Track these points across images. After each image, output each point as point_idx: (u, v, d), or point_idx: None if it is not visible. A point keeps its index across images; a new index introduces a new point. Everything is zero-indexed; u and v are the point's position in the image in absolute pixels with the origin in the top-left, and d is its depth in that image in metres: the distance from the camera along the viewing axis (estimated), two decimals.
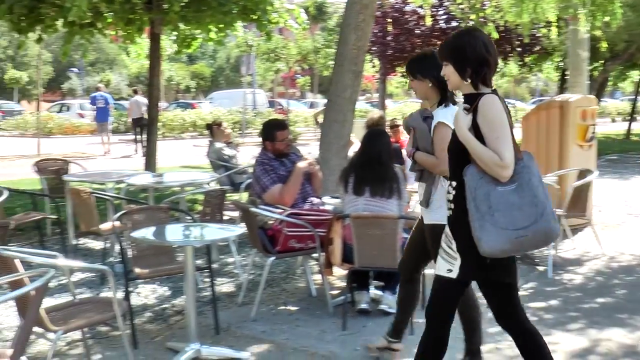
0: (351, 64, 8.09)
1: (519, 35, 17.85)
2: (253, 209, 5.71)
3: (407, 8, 21.32)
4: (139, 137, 22.17)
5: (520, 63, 22.92)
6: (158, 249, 5.52)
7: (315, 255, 6.02)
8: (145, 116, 22.19)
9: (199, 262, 5.74)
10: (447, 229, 3.63)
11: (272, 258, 5.71)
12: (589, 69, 13.49)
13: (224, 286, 6.56)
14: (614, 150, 21.24)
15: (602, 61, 21.74)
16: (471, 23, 13.48)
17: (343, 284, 6.34)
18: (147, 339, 5.18)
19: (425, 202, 4.33)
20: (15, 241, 7.71)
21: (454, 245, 3.55)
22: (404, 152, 8.48)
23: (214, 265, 6.20)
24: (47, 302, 4.39)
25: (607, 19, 11.98)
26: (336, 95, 8.22)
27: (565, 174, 8.26)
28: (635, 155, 20.57)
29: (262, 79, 44.99)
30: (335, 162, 8.08)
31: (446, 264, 3.60)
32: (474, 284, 3.92)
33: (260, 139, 6.36)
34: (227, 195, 7.52)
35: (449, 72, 3.59)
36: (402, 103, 48.69)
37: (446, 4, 19.99)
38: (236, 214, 7.34)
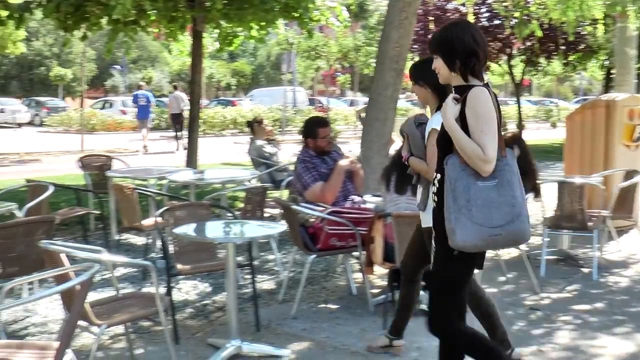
0: (393, 62, 8.04)
1: (563, 33, 17.57)
2: (294, 207, 5.71)
3: (449, 6, 21.15)
4: (178, 133, 22.44)
5: (564, 62, 22.57)
6: (199, 245, 5.55)
7: (355, 253, 5.99)
8: (184, 112, 22.68)
9: (239, 259, 5.77)
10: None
11: (313, 256, 5.70)
12: (636, 67, 13.21)
13: (265, 283, 6.58)
14: None
15: None
16: (514, 21, 13.31)
17: (384, 282, 6.30)
18: (188, 334, 5.21)
19: (423, 205, 4.35)
20: (60, 236, 7.82)
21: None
22: None
23: (255, 263, 6.21)
24: (91, 296, 4.43)
25: None
26: (377, 94, 8.18)
27: (610, 175, 8.12)
28: None
29: (302, 76, 45.06)
30: (376, 161, 8.04)
31: None
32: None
33: (301, 137, 6.35)
34: (268, 192, 7.53)
35: (438, 65, 3.58)
36: None
37: (489, 1, 19.79)
38: (276, 211, 7.35)
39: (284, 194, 8.20)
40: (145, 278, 6.66)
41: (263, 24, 11.49)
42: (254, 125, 9.93)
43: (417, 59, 22.61)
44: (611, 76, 21.60)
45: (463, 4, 17.49)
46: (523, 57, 21.97)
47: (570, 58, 22.11)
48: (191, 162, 11.87)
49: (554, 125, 39.73)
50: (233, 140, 26.68)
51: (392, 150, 7.93)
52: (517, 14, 12.40)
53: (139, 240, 8.27)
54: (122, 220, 7.23)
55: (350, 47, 29.85)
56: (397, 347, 4.86)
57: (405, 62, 8.34)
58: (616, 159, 8.54)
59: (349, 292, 6.26)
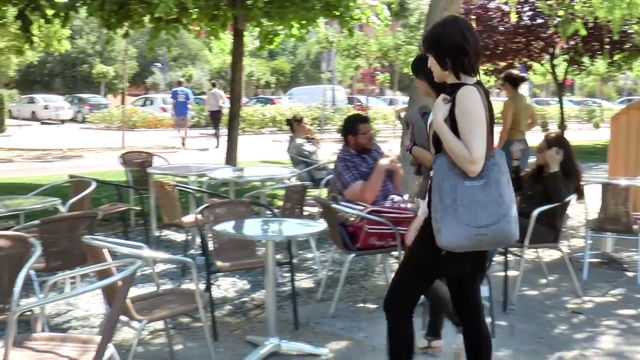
0: None
1: (608, 31, 17.27)
2: (334, 206, 5.69)
3: (491, 4, 20.92)
4: (217, 130, 22.70)
5: (609, 61, 22.17)
6: (238, 242, 5.57)
7: (395, 253, 5.95)
8: (222, 109, 22.94)
9: (278, 257, 5.77)
10: None
11: (352, 255, 5.67)
12: None
13: (303, 282, 6.57)
14: None
15: None
16: (558, 20, 13.11)
17: None
18: (227, 331, 5.23)
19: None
20: (101, 231, 7.91)
21: None
22: None
23: (294, 261, 6.21)
24: (132, 291, 4.47)
25: None
26: (417, 93, 8.11)
27: None
28: None
29: (341, 75, 45.07)
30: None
31: None
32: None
33: (340, 135, 6.33)
34: (307, 191, 7.52)
35: (431, 62, 3.57)
36: None
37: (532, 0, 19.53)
38: (315, 209, 7.35)
39: (323, 192, 8.19)
40: (184, 274, 6.71)
41: (304, 22, 11.50)
42: (294, 124, 9.93)
43: None
44: None
45: (505, 3, 17.29)
46: (566, 56, 21.63)
47: (616, 57, 21.70)
48: (231, 159, 11.92)
49: (596, 126, 39.15)
50: (272, 138, 26.78)
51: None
52: (561, 13, 12.20)
53: (178, 236, 8.34)
54: (162, 217, 7.29)
55: (390, 46, 29.74)
56: (436, 347, 4.83)
57: None
58: None
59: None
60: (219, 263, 5.33)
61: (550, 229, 6.10)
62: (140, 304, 4.37)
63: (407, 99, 10.23)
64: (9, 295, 4.08)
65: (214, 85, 24.66)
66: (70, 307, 5.75)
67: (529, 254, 6.93)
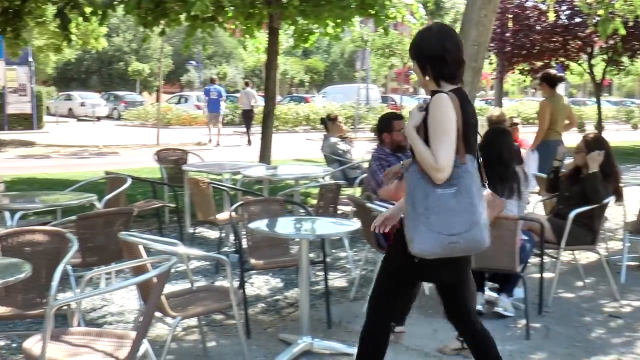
0: (471, 60, 7.88)
1: None
2: (369, 205, 5.66)
3: (528, 3, 20.71)
4: (249, 128, 22.97)
5: None
6: (272, 240, 5.58)
7: None
8: (255, 108, 23.21)
9: (311, 255, 5.76)
10: None
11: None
12: None
13: (336, 281, 6.56)
14: None
15: None
16: (597, 19, 12.92)
17: None
18: (260, 329, 5.24)
19: None
20: (136, 227, 7.97)
21: None
22: (522, 151, 8.25)
23: (327, 260, 6.19)
24: (166, 288, 4.49)
25: None
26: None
27: None
28: None
29: (375, 74, 44.98)
30: None
31: None
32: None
33: (374, 134, 6.29)
34: (341, 189, 7.50)
35: (414, 69, 3.63)
36: (518, 101, 47.51)
37: None
38: (349, 208, 7.32)
39: (357, 191, 8.16)
40: (218, 272, 6.73)
41: (339, 21, 11.49)
42: (328, 122, 9.92)
43: (493, 57, 22.32)
44: None
45: (543, 1, 17.10)
46: (604, 55, 21.33)
47: None
48: (264, 157, 11.96)
49: (635, 127, 38.57)
50: (305, 136, 26.80)
51: None
52: (601, 12, 12.00)
53: (212, 234, 8.37)
54: (197, 214, 7.32)
55: None
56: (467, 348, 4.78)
57: (483, 60, 8.18)
58: None
59: (422, 292, 6.18)
60: (252, 261, 5.34)
61: (587, 231, 6.02)
62: (174, 300, 4.40)
63: None
64: (46, 290, 4.14)
65: (247, 84, 24.94)
66: (106, 303, 5.80)
67: (565, 255, 6.84)
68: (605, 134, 20.38)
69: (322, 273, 5.62)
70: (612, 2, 12.85)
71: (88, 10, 10.30)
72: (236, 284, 5.24)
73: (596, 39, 19.33)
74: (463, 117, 3.41)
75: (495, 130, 5.78)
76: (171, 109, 33.51)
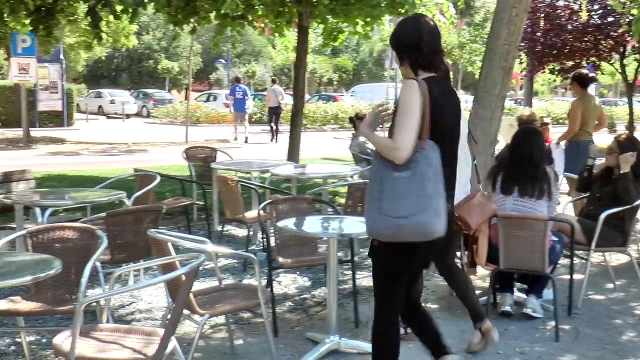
0: (501, 59, 7.83)
1: None
2: None
3: (560, 2, 20.49)
4: (274, 126, 23.18)
5: None
6: (300, 239, 5.57)
7: (458, 253, 5.87)
8: (282, 105, 23.42)
9: (339, 254, 5.74)
10: None
11: None
12: None
13: (364, 280, 6.53)
14: None
15: None
16: (631, 18, 12.75)
17: (485, 284, 6.17)
18: (287, 327, 5.24)
19: None
20: (164, 225, 8.00)
21: None
22: (553, 149, 8.16)
23: (355, 259, 6.18)
24: (194, 285, 4.50)
25: None
26: (485, 92, 7.98)
27: None
28: None
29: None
30: (480, 160, 7.85)
31: None
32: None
33: None
34: None
35: (395, 59, 3.79)
36: (548, 101, 47.10)
37: None
38: None
39: None
40: (245, 270, 6.74)
41: (368, 19, 11.46)
42: (357, 121, 9.89)
43: (523, 57, 22.11)
44: None
45: (575, 1, 16.92)
46: (637, 55, 21.03)
47: None
48: (293, 156, 11.97)
49: None
50: (333, 135, 26.79)
51: (498, 150, 7.77)
52: (634, 11, 11.84)
53: (240, 232, 8.39)
54: (225, 212, 7.34)
55: (454, 44, 29.42)
56: (486, 330, 4.80)
57: (514, 60, 8.10)
58: None
59: (450, 292, 6.14)
60: (280, 259, 5.35)
61: (618, 232, 5.95)
62: (202, 298, 4.41)
63: (470, 97, 10.11)
64: (76, 286, 4.17)
65: (274, 82, 25.17)
66: (134, 299, 5.84)
67: (595, 257, 6.76)
68: (636, 135, 20.13)
69: (349, 272, 5.60)
70: None
71: (119, 8, 10.37)
72: (264, 282, 5.24)
73: (629, 38, 19.07)
74: (431, 104, 3.49)
75: (526, 130, 5.73)
76: (200, 107, 33.66)
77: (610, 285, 6.46)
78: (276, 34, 12.67)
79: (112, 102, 39.65)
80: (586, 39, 20.11)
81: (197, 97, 39.71)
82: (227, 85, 50.27)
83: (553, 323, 5.19)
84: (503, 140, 8.71)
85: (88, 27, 14.53)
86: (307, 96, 37.63)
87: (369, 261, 7.13)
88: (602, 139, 8.87)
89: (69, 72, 37.11)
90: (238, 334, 5.07)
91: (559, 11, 20.39)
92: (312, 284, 6.41)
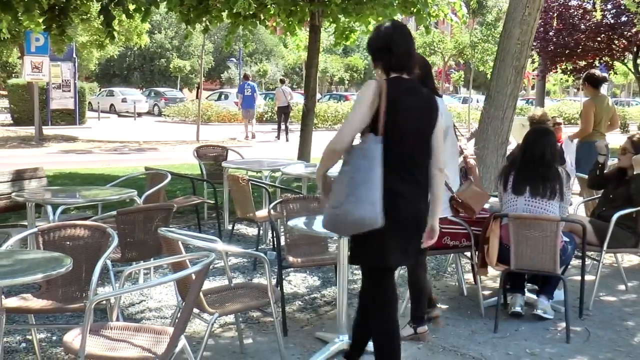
0: (514, 59, 7.81)
1: None
2: None
3: (573, 2, 20.42)
4: (283, 125, 23.41)
5: None
6: (311, 238, 5.56)
7: (468, 253, 5.86)
8: (290, 104, 23.63)
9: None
10: None
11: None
12: None
13: None
14: None
15: None
16: None
17: (495, 284, 6.14)
18: (297, 327, 5.23)
19: None
20: (175, 223, 8.02)
21: None
22: (565, 145, 8.13)
23: None
24: (204, 284, 4.50)
25: None
26: (496, 92, 7.97)
27: None
28: None
29: None
30: (492, 160, 7.85)
31: None
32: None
33: None
34: None
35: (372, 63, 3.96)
36: (560, 101, 46.92)
37: None
38: None
39: None
40: (255, 269, 6.74)
41: (380, 19, 11.41)
42: None
43: (536, 56, 22.05)
44: None
45: (588, 0, 16.84)
46: None
47: None
48: (304, 155, 11.96)
49: None
50: None
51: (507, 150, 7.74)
52: None
53: (250, 231, 8.40)
54: (235, 211, 7.35)
55: (466, 44, 29.32)
56: (422, 333, 4.92)
57: (526, 59, 8.08)
58: None
59: (460, 292, 6.14)
60: (290, 258, 5.34)
61: (631, 234, 5.91)
62: (212, 297, 4.42)
63: (481, 97, 10.05)
64: (86, 284, 4.18)
65: (282, 81, 25.57)
66: (144, 298, 5.85)
67: (607, 258, 6.73)
68: None
69: (359, 272, 5.58)
70: None
71: (131, 7, 10.40)
72: (274, 281, 5.25)
73: None
74: (387, 102, 3.65)
75: (538, 130, 5.70)
76: (211, 106, 33.70)
77: (622, 287, 6.42)
78: (288, 33, 12.66)
79: (123, 100, 39.74)
80: (599, 38, 20.04)
81: (209, 96, 39.74)
82: (239, 84, 50.44)
83: (564, 324, 5.17)
84: (515, 140, 8.69)
85: (101, 26, 14.54)
86: (318, 95, 37.73)
87: None
88: (615, 139, 8.81)
89: (81, 70, 37.25)
90: (247, 333, 5.07)
91: (571, 11, 20.33)
92: (322, 284, 6.40)
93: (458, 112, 35.31)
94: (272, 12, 11.45)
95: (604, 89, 9.44)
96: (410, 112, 3.74)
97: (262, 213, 7.00)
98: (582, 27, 19.84)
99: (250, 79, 25.23)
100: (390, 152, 3.65)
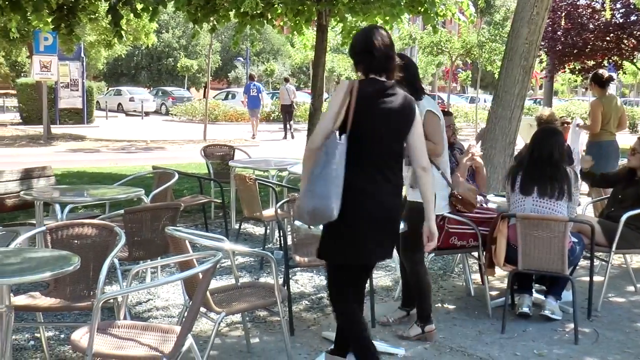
0: (522, 59, 7.80)
1: None
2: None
3: (581, 1, 20.36)
4: (288, 123, 23.58)
5: None
6: (318, 238, 5.51)
7: (475, 253, 5.84)
8: (294, 103, 23.77)
9: None
10: None
11: (432, 255, 5.59)
12: None
13: (381, 280, 6.52)
14: None
15: None
16: None
17: (502, 285, 6.13)
18: (304, 326, 5.23)
19: (410, 184, 4.73)
20: (182, 222, 8.04)
21: None
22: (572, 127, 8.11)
23: None
24: (210, 283, 4.50)
25: None
26: (504, 91, 7.96)
27: None
28: None
29: (423, 72, 44.59)
30: (499, 159, 7.84)
31: None
32: None
33: None
34: None
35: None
36: (568, 101, 46.77)
37: None
38: None
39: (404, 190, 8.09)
40: (262, 268, 6.74)
41: (388, 18, 11.40)
42: None
43: (544, 56, 21.98)
44: None
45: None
46: None
47: None
48: None
49: None
50: None
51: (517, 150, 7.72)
52: None
53: (257, 230, 8.40)
54: (242, 210, 7.35)
55: (473, 43, 29.24)
56: (430, 332, 4.97)
57: (534, 59, 8.06)
58: None
59: (467, 292, 6.13)
60: (297, 258, 5.34)
61: None
62: (219, 296, 4.42)
63: (488, 97, 10.04)
64: (94, 283, 4.19)
65: (286, 80, 25.80)
66: (151, 297, 5.85)
67: (616, 259, 6.70)
68: None
69: None
70: None
71: (139, 6, 10.40)
72: (280, 280, 5.24)
73: None
74: (356, 102, 3.76)
75: (546, 130, 5.68)
76: (218, 105, 33.74)
77: (631, 288, 6.40)
78: (295, 33, 12.65)
79: (131, 99, 39.80)
80: (608, 38, 19.97)
81: (216, 95, 39.80)
82: (245, 84, 50.46)
83: (572, 325, 5.15)
84: (522, 140, 8.66)
85: (109, 25, 14.58)
86: (325, 95, 37.70)
87: (386, 261, 7.14)
88: (624, 139, 8.78)
89: (89, 69, 37.30)
90: (254, 333, 5.07)
91: (580, 10, 20.26)
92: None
93: (465, 112, 35.25)
94: (279, 11, 11.43)
95: (612, 89, 9.41)
96: (381, 112, 3.83)
97: (269, 212, 7.01)
98: (591, 26, 19.76)
99: (256, 79, 25.41)
100: (360, 151, 3.78)
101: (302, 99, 31.94)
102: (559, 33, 20.34)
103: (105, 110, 34.17)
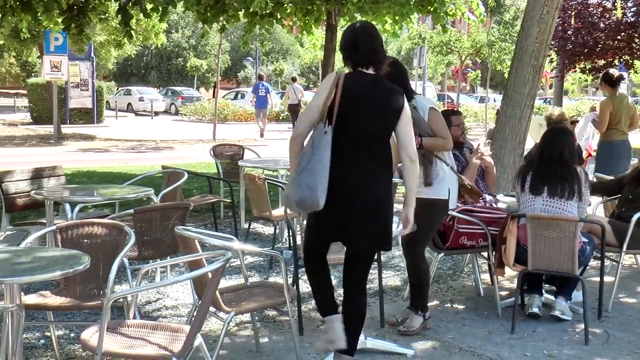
0: (532, 58, 7.77)
1: None
2: None
3: (592, 0, 20.25)
4: (295, 122, 23.65)
5: None
6: None
7: (485, 253, 5.83)
8: (301, 102, 23.84)
9: None
10: None
11: (441, 254, 5.59)
12: None
13: (390, 279, 6.51)
14: None
15: None
16: None
17: (512, 285, 6.11)
18: (313, 326, 5.23)
19: (430, 180, 4.83)
20: (191, 222, 8.05)
21: None
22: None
23: (381, 258, 6.15)
24: (220, 283, 4.50)
25: None
26: (514, 91, 7.94)
27: None
28: None
29: (432, 71, 44.56)
30: (509, 159, 7.82)
31: None
32: None
33: None
34: (398, 187, 7.44)
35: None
36: (578, 100, 46.62)
37: None
38: (402, 206, 7.24)
39: None
40: (272, 268, 6.74)
41: (397, 18, 11.40)
42: None
43: (554, 55, 21.88)
44: None
45: None
46: None
47: None
48: None
49: None
50: None
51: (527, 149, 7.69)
52: None
53: (266, 229, 8.40)
54: (252, 210, 7.35)
55: (483, 42, 29.18)
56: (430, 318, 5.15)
57: (544, 58, 8.03)
58: None
59: (477, 293, 6.11)
60: None
61: None
62: (228, 295, 4.42)
63: (498, 97, 9.99)
64: (104, 282, 4.20)
65: (294, 79, 26.02)
66: (161, 296, 5.86)
67: (627, 259, 6.67)
68: None
69: (375, 271, 5.58)
70: None
71: (149, 6, 10.44)
72: (290, 280, 5.25)
73: None
74: (342, 93, 3.86)
75: (556, 130, 5.65)
76: (228, 105, 33.77)
77: None
78: (304, 32, 12.67)
79: (141, 99, 39.89)
80: (619, 37, 19.84)
81: (225, 94, 39.84)
82: (254, 84, 50.48)
83: (582, 326, 5.13)
84: (532, 140, 8.64)
85: (119, 25, 14.63)
86: None
87: (396, 260, 7.17)
88: (636, 139, 8.74)
89: (99, 69, 37.43)
90: (263, 332, 5.07)
91: (590, 9, 20.15)
92: (338, 283, 6.36)
93: (475, 111, 35.19)
94: (288, 11, 11.46)
95: (623, 88, 9.37)
96: (366, 103, 3.93)
97: (278, 212, 7.01)
98: (602, 25, 19.66)
99: (265, 79, 25.49)
100: (346, 142, 3.87)
101: (307, 97, 31.94)
102: (569, 32, 20.23)
103: (115, 110, 34.26)
